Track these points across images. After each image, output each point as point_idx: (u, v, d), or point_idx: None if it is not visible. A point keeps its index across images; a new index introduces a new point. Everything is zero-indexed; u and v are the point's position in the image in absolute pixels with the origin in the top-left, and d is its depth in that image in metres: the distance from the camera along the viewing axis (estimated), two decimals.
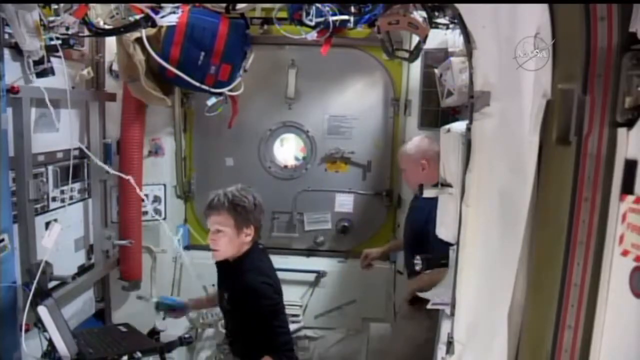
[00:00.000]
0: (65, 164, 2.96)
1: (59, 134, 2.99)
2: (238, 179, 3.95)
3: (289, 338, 2.72)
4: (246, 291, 2.52)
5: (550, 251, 1.58)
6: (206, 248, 4.07)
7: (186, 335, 2.92)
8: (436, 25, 2.77)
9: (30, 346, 2.42)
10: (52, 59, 2.68)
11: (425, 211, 2.85)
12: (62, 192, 3.03)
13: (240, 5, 3.14)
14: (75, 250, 3.24)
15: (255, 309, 2.50)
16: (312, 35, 2.87)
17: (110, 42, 3.34)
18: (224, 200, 2.60)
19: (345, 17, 2.79)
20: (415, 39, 2.94)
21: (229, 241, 2.60)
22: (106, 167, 3.18)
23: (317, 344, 4.00)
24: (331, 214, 4.00)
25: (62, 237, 2.80)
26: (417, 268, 2.57)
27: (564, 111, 1.48)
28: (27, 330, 2.41)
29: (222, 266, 2.78)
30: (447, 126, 2.25)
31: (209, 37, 3.12)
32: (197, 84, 3.17)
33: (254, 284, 2.54)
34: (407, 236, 3.33)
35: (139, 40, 3.02)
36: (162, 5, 2.35)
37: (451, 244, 2.22)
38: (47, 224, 2.78)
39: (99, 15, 2.53)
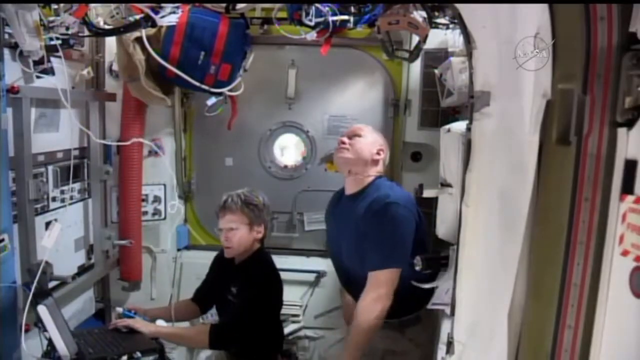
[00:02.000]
0: (66, 164, 2.96)
1: (59, 134, 2.99)
2: (238, 179, 3.98)
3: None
4: (254, 277, 2.76)
5: (550, 251, 1.58)
6: (206, 248, 4.11)
7: None
8: (436, 25, 2.77)
9: (30, 346, 2.42)
10: (52, 59, 2.68)
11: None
12: (62, 192, 3.03)
13: (240, 5, 3.14)
14: (75, 250, 3.24)
15: (251, 293, 2.72)
16: (312, 36, 2.87)
17: (110, 42, 3.33)
18: (237, 200, 2.77)
19: (345, 17, 2.79)
20: (415, 39, 2.95)
21: (241, 238, 2.76)
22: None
23: (317, 344, 3.99)
24: None
25: (62, 237, 2.80)
26: (417, 268, 2.56)
27: (564, 111, 1.48)
28: (27, 330, 2.41)
29: (227, 267, 2.90)
30: (447, 126, 2.25)
31: (208, 37, 3.11)
32: (197, 83, 3.16)
33: (262, 274, 2.80)
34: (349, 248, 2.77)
35: (139, 40, 3.02)
36: (162, 5, 2.35)
37: (451, 244, 2.22)
38: (47, 224, 2.78)
39: (99, 14, 2.53)
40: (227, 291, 2.88)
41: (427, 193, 2.37)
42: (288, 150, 4.10)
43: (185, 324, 3.40)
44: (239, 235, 2.77)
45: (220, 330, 2.68)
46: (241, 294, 2.79)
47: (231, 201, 2.77)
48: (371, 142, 2.67)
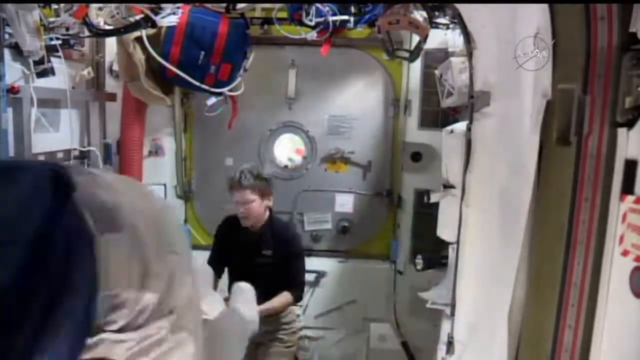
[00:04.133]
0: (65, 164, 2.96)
1: (59, 134, 2.99)
2: None
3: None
4: (292, 240, 3.14)
5: (551, 251, 1.58)
6: (207, 248, 4.10)
7: None
8: (436, 25, 2.77)
9: None
10: (52, 59, 2.68)
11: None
12: None
13: (240, 5, 3.14)
14: None
15: (298, 252, 3.13)
16: (312, 36, 2.87)
17: (111, 42, 3.34)
18: (249, 176, 2.95)
19: (345, 17, 2.79)
20: (416, 39, 2.95)
21: (257, 209, 3.02)
22: None
23: (317, 344, 4.00)
24: (331, 214, 4.00)
25: None
26: (419, 267, 2.57)
27: (564, 111, 1.48)
28: None
29: (244, 233, 3.12)
30: (450, 127, 2.26)
31: (209, 37, 3.11)
32: (197, 83, 3.16)
33: (294, 234, 3.23)
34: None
35: (139, 40, 3.02)
36: (162, 5, 2.35)
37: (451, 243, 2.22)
38: None
39: (100, 14, 2.54)
40: (258, 255, 3.08)
41: (434, 198, 2.38)
42: (283, 143, 4.10)
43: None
44: (255, 206, 2.99)
45: (299, 289, 3.11)
46: (284, 255, 3.06)
47: (244, 177, 2.96)
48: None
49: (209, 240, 4.12)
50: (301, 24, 2.86)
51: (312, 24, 2.83)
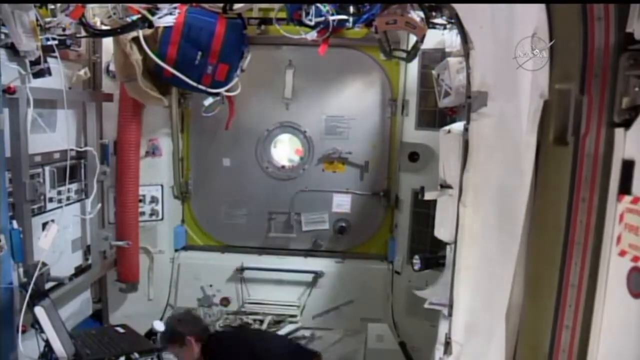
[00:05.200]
0: (62, 165, 2.95)
1: (55, 135, 2.98)
2: (235, 179, 3.98)
3: None
4: None
5: (548, 251, 1.58)
6: (204, 248, 4.11)
7: None
8: (433, 26, 2.77)
9: (27, 347, 2.41)
10: (48, 59, 2.66)
11: None
12: (59, 192, 3.02)
13: (237, 5, 3.14)
14: (72, 251, 3.23)
15: None
16: (312, 35, 2.87)
17: (107, 42, 3.32)
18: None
19: (344, 16, 2.79)
20: (413, 39, 2.95)
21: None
22: None
23: (315, 345, 3.99)
24: (329, 214, 4.00)
25: (59, 237, 2.78)
26: (416, 267, 2.57)
27: (562, 111, 1.49)
28: (23, 332, 2.40)
29: None
30: (447, 127, 2.25)
31: (206, 37, 3.11)
32: (194, 83, 3.16)
33: None
34: None
35: (135, 40, 3.01)
36: (159, 6, 2.34)
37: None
38: (44, 225, 2.77)
39: (97, 15, 2.53)
40: None
41: (429, 195, 2.38)
42: (281, 143, 4.09)
43: None
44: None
45: None
46: None
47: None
48: None
49: (206, 241, 4.13)
50: (300, 23, 2.86)
51: (312, 23, 2.83)
